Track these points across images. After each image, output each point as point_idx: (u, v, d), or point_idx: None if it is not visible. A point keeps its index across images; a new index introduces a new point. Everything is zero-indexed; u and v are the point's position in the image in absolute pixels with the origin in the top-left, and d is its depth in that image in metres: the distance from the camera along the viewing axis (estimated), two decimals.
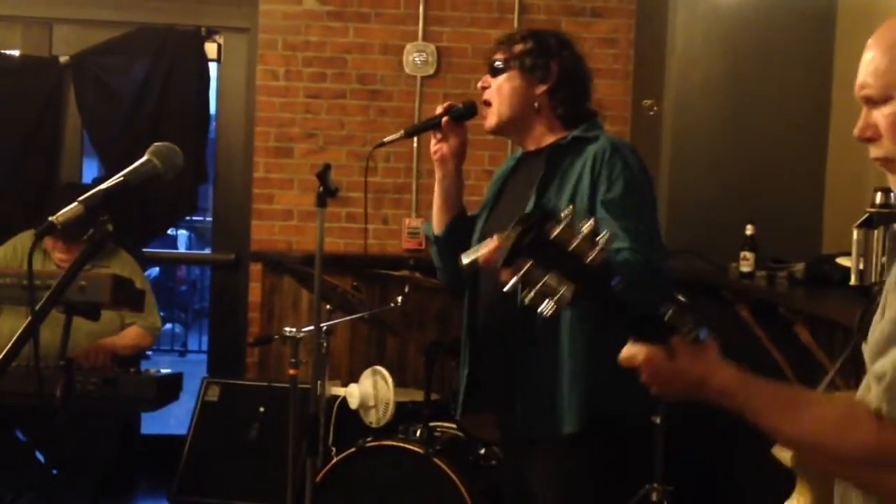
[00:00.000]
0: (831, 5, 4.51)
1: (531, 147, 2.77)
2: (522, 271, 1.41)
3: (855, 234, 3.30)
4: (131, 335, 4.40)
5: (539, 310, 1.43)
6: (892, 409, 1.35)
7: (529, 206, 2.62)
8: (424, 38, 5.31)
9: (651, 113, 4.74)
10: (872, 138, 1.51)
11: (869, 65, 1.51)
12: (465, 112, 2.80)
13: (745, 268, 4.12)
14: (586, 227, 1.42)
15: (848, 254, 3.48)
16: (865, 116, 1.52)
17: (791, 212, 4.50)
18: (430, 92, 5.33)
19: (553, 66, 2.70)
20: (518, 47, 2.71)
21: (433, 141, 2.82)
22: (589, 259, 1.40)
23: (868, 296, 1.50)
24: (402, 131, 2.88)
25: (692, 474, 4.04)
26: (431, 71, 5.31)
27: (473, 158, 5.28)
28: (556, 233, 1.40)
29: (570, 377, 2.55)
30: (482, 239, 2.79)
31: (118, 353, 4.26)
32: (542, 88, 2.70)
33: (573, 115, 2.72)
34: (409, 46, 5.30)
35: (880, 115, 1.49)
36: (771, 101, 4.59)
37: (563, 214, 1.43)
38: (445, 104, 2.80)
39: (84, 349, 4.09)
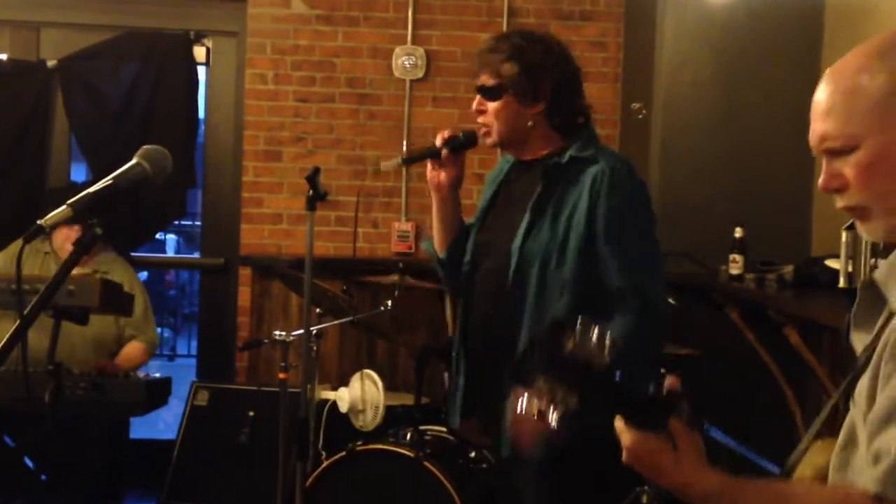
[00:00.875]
0: (818, 7, 4.53)
1: (528, 157, 2.75)
2: (536, 389, 1.47)
3: (843, 236, 3.31)
4: (135, 354, 4.45)
5: (548, 422, 1.47)
6: (893, 492, 1.32)
7: (524, 225, 2.64)
8: (413, 42, 5.31)
9: (640, 116, 4.75)
10: (840, 189, 1.46)
11: (825, 115, 1.45)
12: (466, 143, 2.78)
13: (735, 270, 4.12)
14: (595, 333, 1.45)
15: (836, 256, 3.50)
16: (828, 167, 1.47)
17: (780, 214, 4.51)
18: (420, 95, 5.32)
19: (545, 84, 2.67)
20: (506, 68, 2.66)
21: (430, 168, 2.80)
22: (597, 366, 1.44)
23: (852, 355, 1.49)
24: (399, 158, 2.92)
25: None
26: (420, 74, 5.31)
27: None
28: (569, 347, 1.44)
29: None
30: (476, 248, 2.80)
31: (125, 371, 4.32)
32: (537, 108, 2.68)
33: (569, 123, 2.71)
34: (398, 50, 5.30)
35: (846, 165, 1.44)
36: (760, 104, 4.61)
37: (579, 325, 1.46)
38: (445, 135, 2.77)
39: (99, 367, 4.13)
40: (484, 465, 3.76)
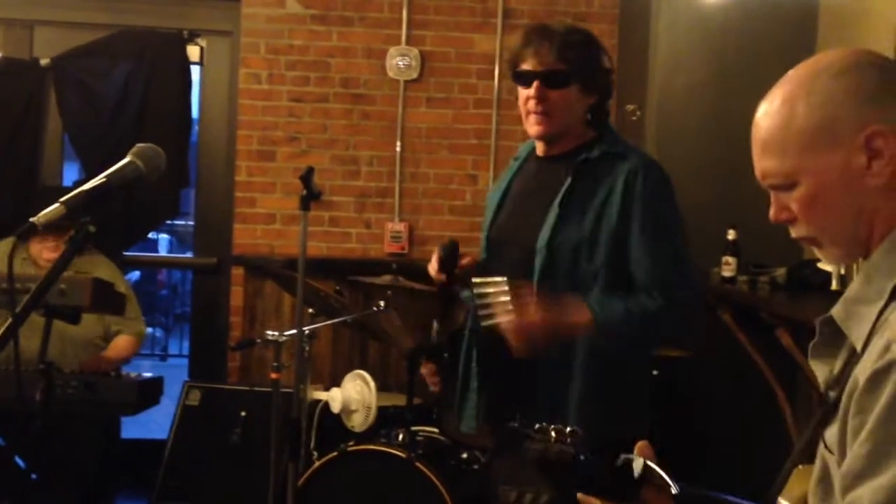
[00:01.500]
0: (812, 10, 4.54)
1: (556, 151, 2.65)
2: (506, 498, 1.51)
3: None
4: (124, 346, 4.44)
5: None
6: None
7: (551, 221, 2.56)
8: (408, 42, 5.31)
9: (634, 118, 4.75)
10: (789, 220, 1.48)
11: (763, 152, 1.48)
12: (452, 253, 2.65)
13: (727, 272, 4.13)
14: (553, 432, 1.48)
15: None
16: (776, 200, 1.49)
17: None
18: (414, 96, 5.32)
19: (604, 75, 2.62)
20: (574, 53, 2.54)
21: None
22: (563, 461, 1.46)
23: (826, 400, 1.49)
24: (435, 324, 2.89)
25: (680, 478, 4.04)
26: (415, 75, 5.31)
27: (456, 163, 5.32)
28: (532, 454, 1.47)
29: (578, 400, 2.53)
30: (491, 246, 2.75)
31: (116, 365, 4.30)
32: (591, 100, 2.61)
33: (602, 117, 2.65)
34: (392, 50, 5.30)
35: (790, 200, 1.46)
36: (753, 107, 4.60)
37: (536, 430, 1.49)
38: (436, 265, 2.65)
39: (87, 364, 4.11)
40: (475, 467, 3.76)
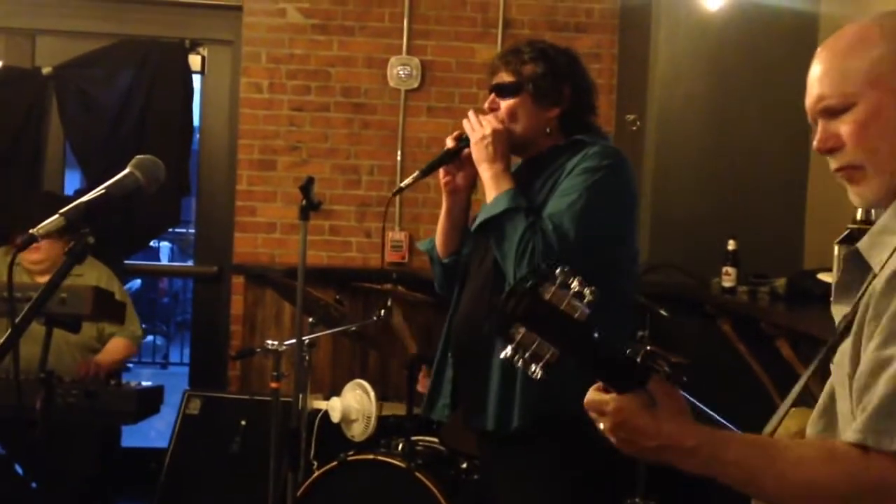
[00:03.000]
0: (813, 21, 4.54)
1: (529, 155, 2.74)
2: (516, 341, 1.45)
3: (836, 249, 3.31)
4: (118, 349, 4.42)
5: (530, 373, 1.46)
6: (876, 440, 1.34)
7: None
8: (409, 52, 5.32)
9: (634, 128, 4.76)
10: (835, 148, 1.50)
11: (823, 77, 1.51)
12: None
13: (727, 283, 4.13)
14: (575, 283, 1.45)
15: (829, 269, 3.50)
16: (824, 128, 1.51)
17: (773, 227, 4.53)
18: (414, 105, 5.33)
19: (565, 90, 2.66)
20: (528, 69, 2.64)
21: (443, 174, 2.78)
22: (576, 317, 1.44)
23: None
24: (417, 172, 2.76)
25: (675, 487, 4.04)
26: (415, 84, 5.32)
27: None
28: (549, 295, 1.44)
29: (523, 375, 2.55)
30: (475, 244, 2.78)
31: (110, 368, 4.29)
32: (553, 113, 2.66)
33: (581, 132, 2.68)
34: (393, 60, 5.31)
35: (842, 124, 1.49)
36: (753, 117, 4.62)
37: (556, 272, 1.46)
38: (455, 134, 2.74)
39: (79, 368, 4.10)
40: (475, 477, 3.76)
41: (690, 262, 4.40)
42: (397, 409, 4.17)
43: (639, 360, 1.48)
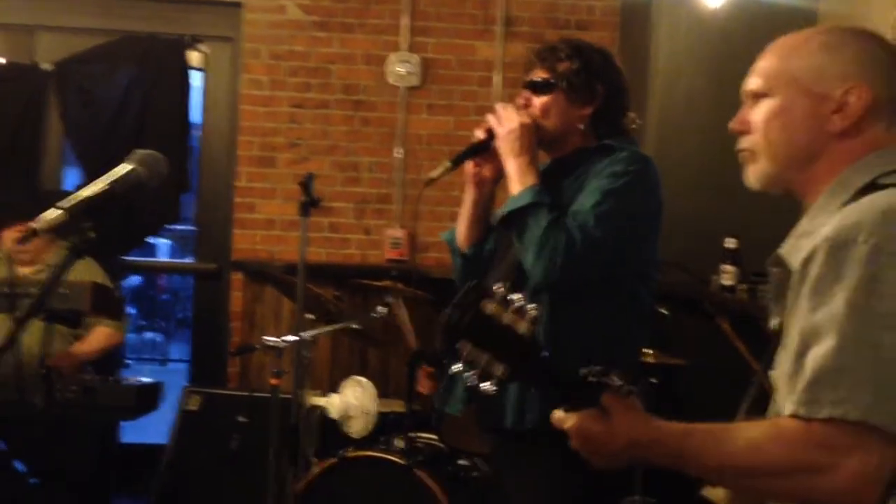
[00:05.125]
0: (811, 18, 4.53)
1: (556, 154, 2.72)
2: (464, 355, 1.46)
3: None
4: (100, 338, 4.36)
5: (482, 389, 1.48)
6: (809, 409, 1.39)
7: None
8: (409, 49, 5.32)
9: (634, 126, 4.75)
10: (744, 132, 1.66)
11: (761, 64, 1.67)
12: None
13: (727, 281, 4.13)
14: (517, 298, 1.47)
15: None
16: (743, 112, 1.67)
17: (773, 225, 4.50)
18: (415, 102, 5.33)
19: (599, 88, 2.64)
20: (563, 66, 2.63)
21: (471, 165, 2.76)
22: (520, 332, 1.45)
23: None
24: (448, 163, 2.70)
25: (672, 486, 4.04)
26: (416, 82, 5.31)
27: (457, 170, 5.31)
28: (490, 309, 1.45)
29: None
30: (498, 240, 2.78)
31: (89, 358, 4.25)
32: (586, 111, 2.64)
33: (612, 133, 2.67)
34: (393, 57, 5.31)
35: (757, 112, 1.63)
36: None
37: (495, 289, 1.47)
38: (485, 126, 2.70)
39: (54, 359, 4.08)
40: (475, 474, 3.76)
41: (690, 260, 4.40)
42: (396, 405, 4.17)
43: (590, 378, 1.52)
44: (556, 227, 2.48)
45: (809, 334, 1.41)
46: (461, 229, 2.85)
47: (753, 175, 1.67)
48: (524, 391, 2.57)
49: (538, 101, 2.65)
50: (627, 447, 1.52)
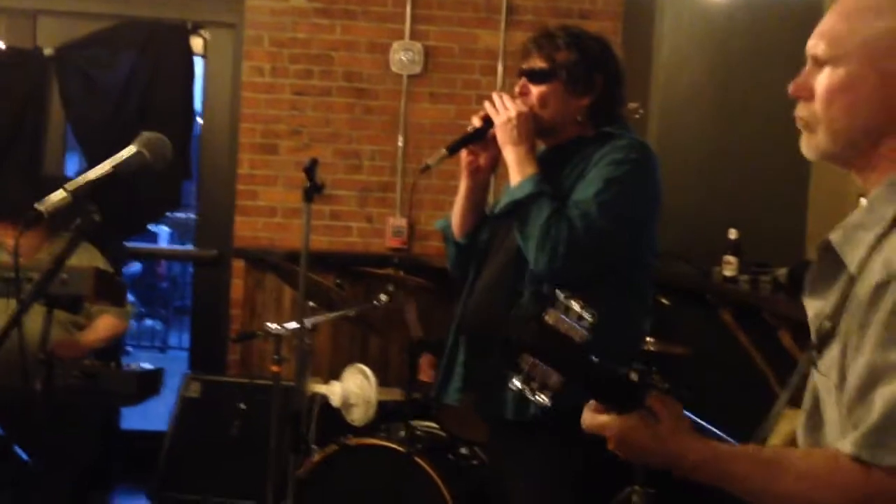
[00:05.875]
0: (817, 8, 4.52)
1: (551, 143, 2.73)
2: (525, 371, 1.45)
3: None
4: (106, 326, 4.36)
5: (536, 401, 1.46)
6: (872, 454, 1.33)
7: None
8: (411, 37, 5.31)
9: (637, 116, 4.74)
10: (803, 98, 1.51)
11: (828, 24, 1.50)
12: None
13: (729, 272, 4.12)
14: (576, 306, 1.45)
15: None
16: (806, 74, 1.52)
17: (775, 216, 4.51)
18: (417, 91, 5.32)
19: (597, 78, 2.64)
20: (562, 55, 2.62)
21: (465, 154, 2.77)
22: (577, 340, 1.44)
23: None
24: (444, 150, 2.72)
25: (673, 478, 4.05)
26: (418, 70, 5.30)
27: (458, 159, 5.29)
28: (552, 320, 1.44)
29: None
30: (494, 229, 2.78)
31: (95, 346, 4.26)
32: (584, 101, 2.65)
33: (609, 122, 2.67)
34: (395, 45, 5.29)
35: (820, 80, 1.48)
36: (756, 106, 4.60)
37: (558, 296, 1.46)
38: (482, 114, 2.71)
39: (57, 344, 4.07)
40: (475, 462, 3.76)
41: (692, 251, 4.39)
42: (397, 394, 4.17)
43: (636, 378, 1.48)
44: (558, 217, 2.48)
45: (880, 371, 1.33)
46: (456, 218, 2.85)
47: (809, 146, 1.53)
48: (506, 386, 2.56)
49: (536, 90, 2.65)
50: (669, 459, 1.48)
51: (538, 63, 2.65)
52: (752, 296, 3.94)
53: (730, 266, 4.13)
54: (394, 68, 5.30)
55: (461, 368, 2.75)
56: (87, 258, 4.23)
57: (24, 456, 4.20)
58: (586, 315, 1.45)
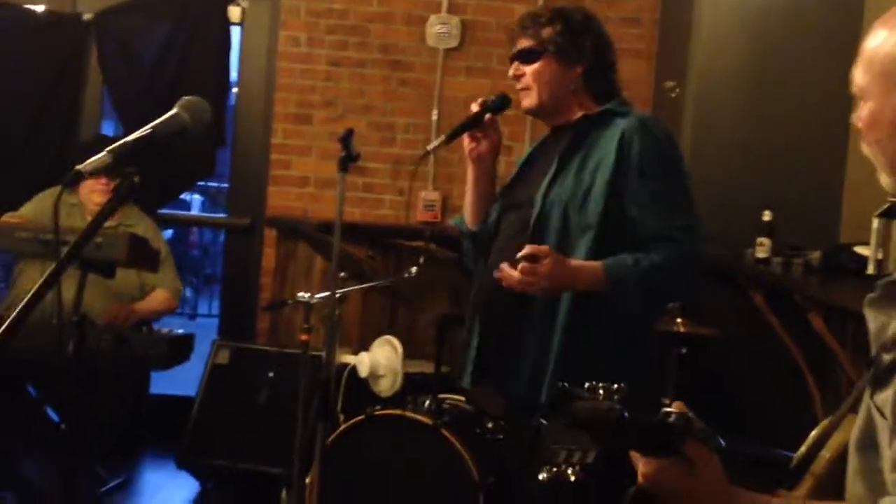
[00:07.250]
0: (858, 3, 4.46)
1: (561, 122, 2.75)
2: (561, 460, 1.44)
3: (875, 223, 3.29)
4: (159, 299, 4.48)
5: (568, 475, 1.44)
6: None
7: (550, 174, 2.64)
8: (448, 11, 5.29)
9: (673, 95, 4.72)
10: (861, 131, 1.49)
11: (861, 55, 1.47)
12: (500, 105, 2.78)
13: (761, 254, 4.11)
14: (601, 391, 1.45)
15: (866, 243, 3.47)
16: (858, 108, 1.49)
17: (810, 199, 4.48)
18: (453, 65, 5.31)
19: (586, 44, 2.68)
20: (547, 31, 2.67)
21: (467, 141, 2.79)
22: (611, 419, 1.41)
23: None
24: (443, 137, 2.79)
25: None
26: (454, 44, 5.29)
27: None
28: (581, 413, 1.41)
29: (558, 346, 2.57)
30: (503, 209, 2.80)
31: (145, 317, 4.33)
32: (578, 70, 2.69)
33: (606, 90, 2.71)
34: (432, 18, 5.28)
35: (861, 112, 1.47)
36: (793, 88, 4.56)
37: (582, 390, 1.45)
38: (479, 101, 2.77)
39: (111, 310, 4.13)
40: (500, 436, 3.77)
41: (725, 232, 4.37)
42: (425, 366, 4.18)
43: (672, 424, 1.47)
44: (656, 269, 2.52)
45: None
46: (467, 209, 2.89)
47: (884, 184, 1.49)
48: (541, 360, 2.60)
49: (529, 69, 2.69)
50: None
51: (526, 43, 2.70)
52: (784, 278, 3.92)
53: (762, 248, 4.11)
54: (430, 42, 5.29)
55: (474, 353, 2.77)
56: (150, 231, 4.29)
57: (56, 418, 4.26)
58: (615, 390, 1.45)
